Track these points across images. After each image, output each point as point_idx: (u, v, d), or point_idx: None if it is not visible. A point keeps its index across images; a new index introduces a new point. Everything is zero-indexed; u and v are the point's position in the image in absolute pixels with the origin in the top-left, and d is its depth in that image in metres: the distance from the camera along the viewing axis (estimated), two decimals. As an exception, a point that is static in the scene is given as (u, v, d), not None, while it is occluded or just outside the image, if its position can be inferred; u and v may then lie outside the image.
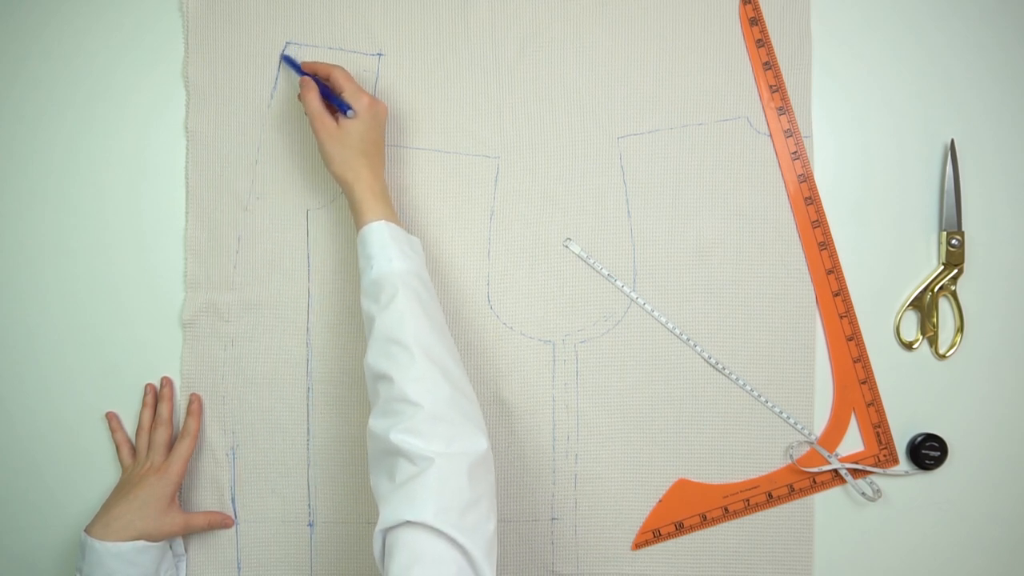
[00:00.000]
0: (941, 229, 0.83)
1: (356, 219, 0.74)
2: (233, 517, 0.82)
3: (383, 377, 0.67)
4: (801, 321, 0.82)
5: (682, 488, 0.82)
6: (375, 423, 0.66)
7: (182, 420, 0.82)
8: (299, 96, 0.76)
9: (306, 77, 0.77)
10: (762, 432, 0.82)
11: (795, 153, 0.83)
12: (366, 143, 0.75)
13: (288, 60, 0.81)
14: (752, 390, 0.82)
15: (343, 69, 0.76)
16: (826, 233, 0.83)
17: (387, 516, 0.60)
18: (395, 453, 0.63)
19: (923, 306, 0.83)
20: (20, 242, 0.83)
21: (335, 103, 0.76)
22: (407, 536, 0.59)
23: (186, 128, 0.83)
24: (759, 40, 0.83)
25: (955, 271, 0.82)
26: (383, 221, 0.72)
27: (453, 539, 0.59)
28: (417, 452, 0.62)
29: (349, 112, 0.74)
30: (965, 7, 0.83)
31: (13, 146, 0.83)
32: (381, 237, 0.72)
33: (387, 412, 0.65)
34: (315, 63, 0.78)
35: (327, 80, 0.77)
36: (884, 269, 0.83)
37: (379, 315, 0.69)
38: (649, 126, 0.83)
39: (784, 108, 0.83)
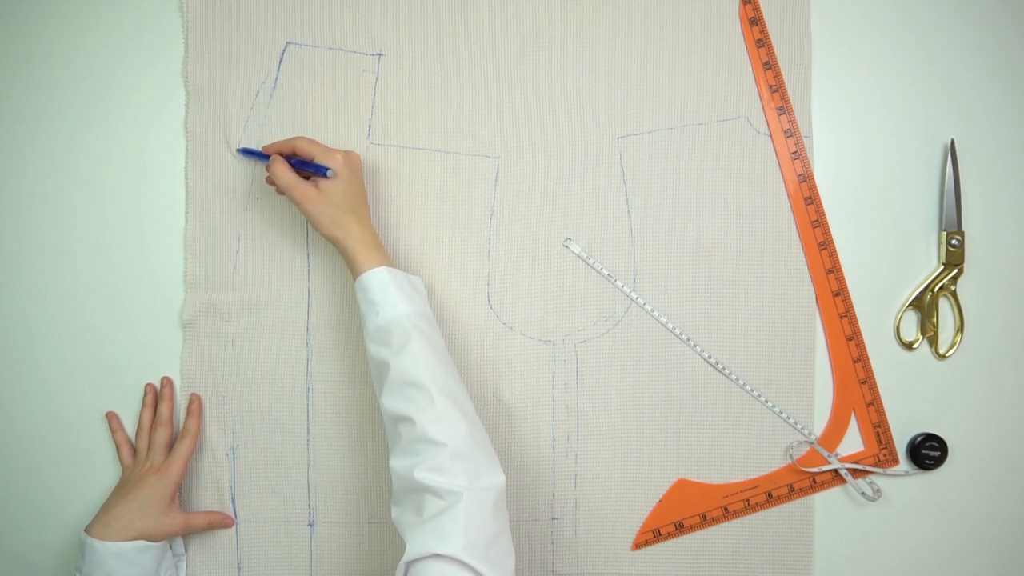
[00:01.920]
0: (941, 229, 0.83)
1: (352, 269, 0.74)
2: (233, 517, 0.82)
3: (404, 419, 0.68)
4: (801, 321, 0.82)
5: (682, 488, 0.82)
6: (397, 463, 0.67)
7: (182, 420, 0.82)
8: (267, 179, 0.75)
9: (272, 156, 0.76)
10: (762, 432, 0.82)
11: (795, 153, 0.83)
12: (350, 198, 0.75)
13: (246, 151, 0.81)
14: (752, 390, 0.82)
15: (303, 137, 0.76)
16: (826, 233, 0.83)
17: (414, 548, 0.62)
18: (421, 490, 0.65)
19: (923, 306, 0.83)
20: (20, 242, 0.83)
21: (311, 169, 0.75)
22: (434, 568, 0.61)
23: (186, 128, 0.83)
24: (759, 40, 0.83)
25: (955, 271, 0.82)
26: (383, 267, 0.73)
27: (480, 572, 0.60)
28: (444, 488, 0.64)
29: (329, 172, 0.74)
30: (965, 7, 0.83)
31: (13, 146, 0.83)
32: (383, 282, 0.72)
33: (409, 452, 0.67)
34: (274, 143, 0.77)
35: (293, 153, 0.76)
36: (884, 269, 0.83)
37: (393, 359, 0.69)
38: (649, 126, 0.83)
39: (784, 108, 0.83)
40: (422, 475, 0.64)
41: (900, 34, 0.83)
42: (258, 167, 0.82)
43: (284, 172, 0.74)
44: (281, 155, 0.76)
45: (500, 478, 0.67)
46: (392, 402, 0.69)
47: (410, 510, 0.65)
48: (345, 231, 0.74)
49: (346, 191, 0.75)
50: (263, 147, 0.79)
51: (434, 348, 0.71)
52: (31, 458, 0.83)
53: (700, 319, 0.82)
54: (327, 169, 0.74)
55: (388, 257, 0.75)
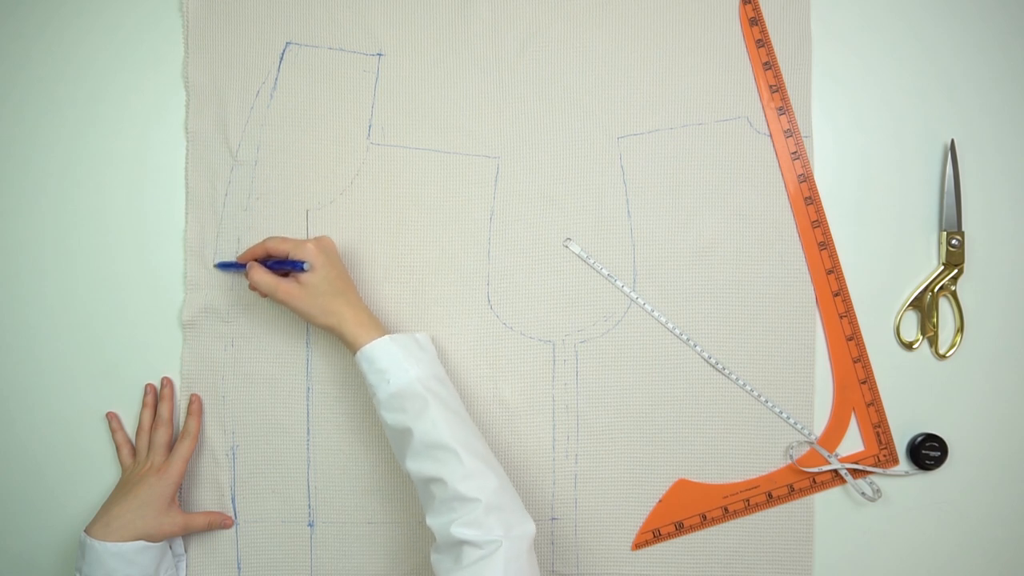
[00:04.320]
0: (941, 229, 0.83)
1: (351, 346, 0.74)
2: (233, 517, 0.82)
3: (434, 480, 0.69)
4: (801, 321, 0.82)
5: (682, 488, 0.82)
6: (433, 521, 0.68)
7: (182, 420, 0.82)
8: (250, 286, 0.76)
9: (249, 263, 0.76)
10: (762, 432, 0.82)
11: (795, 153, 0.83)
12: (333, 283, 0.75)
13: (223, 265, 0.81)
14: (752, 390, 0.82)
15: (272, 236, 0.77)
16: (826, 233, 0.83)
17: None
18: (459, 544, 0.66)
19: (923, 306, 0.83)
20: (20, 242, 0.83)
21: (288, 266, 0.75)
22: None
23: (186, 128, 0.83)
24: (759, 40, 0.83)
25: (955, 271, 0.82)
26: (386, 336, 0.73)
27: None
28: (482, 539, 0.65)
29: (305, 266, 0.75)
30: (965, 7, 0.83)
31: (13, 146, 0.83)
32: (389, 351, 0.73)
33: (444, 510, 0.68)
34: (247, 251, 0.78)
35: (267, 255, 0.77)
36: (884, 269, 0.83)
37: (414, 424, 0.70)
38: (649, 126, 0.83)
39: (784, 108, 0.83)
40: (459, 531, 0.66)
41: (900, 34, 0.83)
42: (258, 168, 0.82)
43: (262, 277, 0.75)
44: (257, 260, 0.77)
45: (531, 526, 0.68)
46: (419, 466, 0.70)
47: (448, 559, 0.67)
48: (338, 317, 0.74)
49: (327, 277, 0.75)
50: (237, 257, 0.79)
51: (451, 407, 0.72)
52: (31, 458, 0.83)
53: (700, 319, 0.82)
54: (303, 263, 0.75)
55: (385, 329, 0.75)
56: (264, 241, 0.77)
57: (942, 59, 0.83)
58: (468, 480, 0.68)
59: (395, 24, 0.83)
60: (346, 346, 0.75)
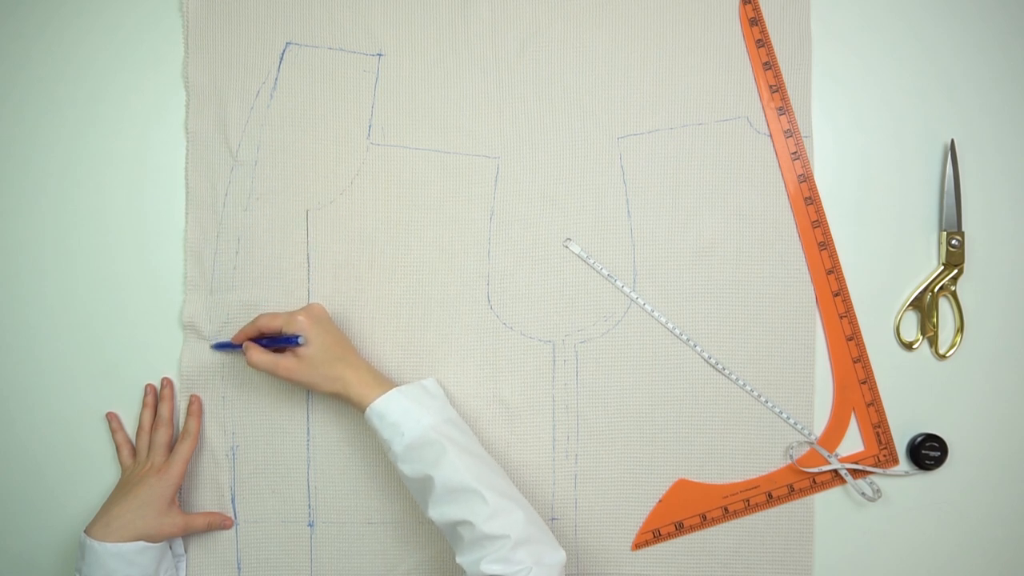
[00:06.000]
0: (941, 229, 0.83)
1: (359, 407, 0.74)
2: (233, 518, 0.82)
3: (461, 523, 0.69)
4: (801, 321, 0.82)
5: (682, 488, 0.82)
6: (463, 559, 0.69)
7: (182, 421, 0.82)
8: (249, 364, 0.76)
9: (245, 343, 0.77)
10: (762, 432, 0.82)
11: (795, 153, 0.83)
12: (330, 351, 0.76)
13: (220, 346, 0.81)
14: (752, 390, 0.82)
15: (263, 313, 0.77)
16: (826, 233, 0.83)
17: None
18: None
19: (923, 306, 0.83)
20: (20, 242, 0.83)
21: (282, 342, 0.76)
22: None
23: (186, 128, 0.83)
24: (759, 40, 0.83)
25: (955, 271, 0.82)
26: (392, 390, 0.73)
27: None
28: (512, 572, 0.66)
29: (300, 339, 0.75)
30: (965, 7, 0.83)
31: (13, 146, 0.83)
32: (399, 404, 0.73)
33: (474, 549, 0.68)
34: (241, 331, 0.78)
35: (260, 334, 0.77)
36: (884, 269, 0.83)
37: (434, 471, 0.70)
38: (649, 126, 0.83)
39: (784, 108, 0.83)
40: (488, 567, 0.66)
41: (900, 34, 0.83)
42: (258, 168, 0.82)
43: (260, 357, 0.75)
44: (251, 339, 0.77)
45: (561, 555, 0.69)
46: (444, 511, 0.70)
47: None
48: (342, 382, 0.75)
49: (323, 346, 0.75)
50: (232, 338, 0.79)
51: (468, 449, 0.72)
52: (31, 458, 0.83)
53: (700, 319, 0.82)
54: (298, 337, 0.75)
55: (390, 383, 0.75)
56: (255, 320, 0.77)
57: (942, 59, 0.83)
58: (494, 519, 0.68)
59: (395, 24, 0.83)
60: (355, 408, 0.75)
